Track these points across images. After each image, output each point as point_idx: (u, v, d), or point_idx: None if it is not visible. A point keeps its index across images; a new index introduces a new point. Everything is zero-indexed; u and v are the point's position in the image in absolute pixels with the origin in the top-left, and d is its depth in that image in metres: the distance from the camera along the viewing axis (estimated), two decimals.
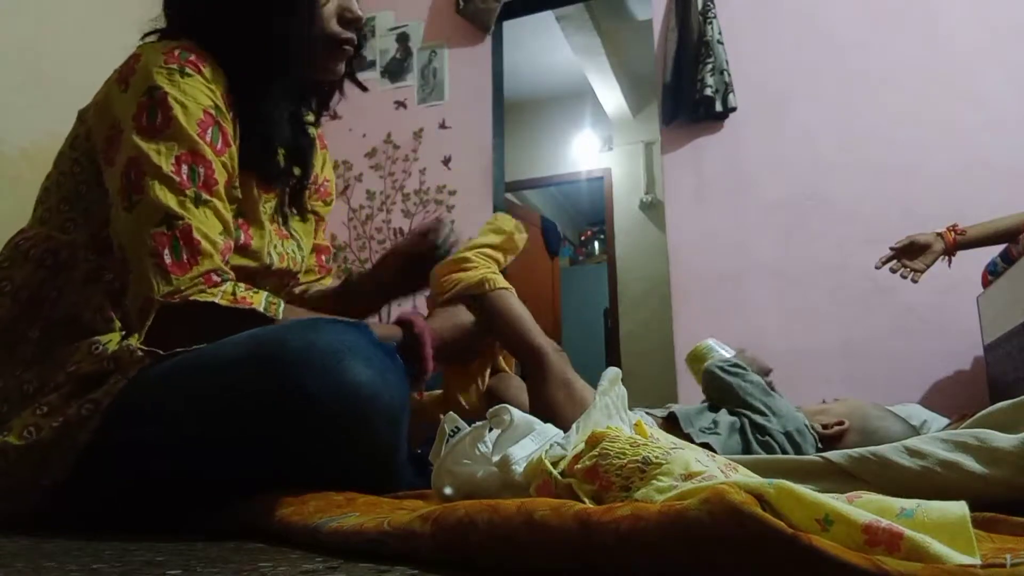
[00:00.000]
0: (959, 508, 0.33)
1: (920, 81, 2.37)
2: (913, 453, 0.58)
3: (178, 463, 0.68)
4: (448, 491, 0.57)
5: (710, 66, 2.49)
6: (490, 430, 0.58)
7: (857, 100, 2.42)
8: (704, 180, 2.59)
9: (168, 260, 0.72)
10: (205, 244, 0.74)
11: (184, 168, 0.75)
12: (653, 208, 4.64)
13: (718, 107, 2.49)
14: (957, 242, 1.78)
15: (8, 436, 0.70)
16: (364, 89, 1.03)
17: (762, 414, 1.09)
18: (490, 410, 0.58)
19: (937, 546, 0.31)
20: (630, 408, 1.08)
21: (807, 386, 2.13)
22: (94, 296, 0.77)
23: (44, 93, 2.18)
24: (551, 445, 0.54)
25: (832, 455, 0.62)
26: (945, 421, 1.47)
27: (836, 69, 2.47)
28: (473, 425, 0.59)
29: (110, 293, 0.77)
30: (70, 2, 2.29)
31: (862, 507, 0.34)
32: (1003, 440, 0.57)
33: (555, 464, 0.49)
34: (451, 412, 0.62)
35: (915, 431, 1.21)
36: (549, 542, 0.38)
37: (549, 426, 0.58)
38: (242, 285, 0.77)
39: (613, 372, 0.61)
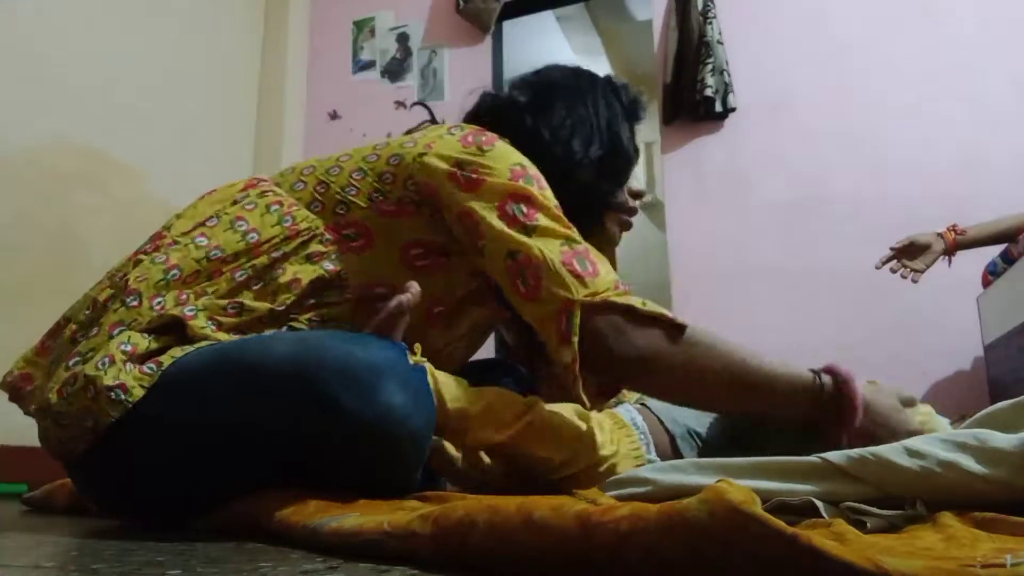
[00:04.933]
0: None
1: (920, 81, 2.37)
2: (913, 453, 0.58)
3: (204, 445, 0.68)
4: None
5: (710, 66, 2.49)
6: None
7: (857, 100, 2.42)
8: (704, 180, 2.59)
9: (579, 268, 0.79)
10: (600, 264, 0.82)
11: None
12: (653, 208, 4.63)
13: (718, 107, 2.49)
14: (957, 242, 1.78)
15: (86, 366, 0.69)
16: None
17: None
18: None
19: None
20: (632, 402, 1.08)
21: None
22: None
23: (44, 93, 2.18)
24: None
25: (831, 455, 0.62)
26: (945, 421, 1.47)
27: (836, 69, 2.47)
28: None
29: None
30: (70, 2, 2.29)
31: None
32: (1003, 440, 0.56)
33: None
34: None
35: None
36: (549, 542, 0.38)
37: None
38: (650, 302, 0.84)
39: None
